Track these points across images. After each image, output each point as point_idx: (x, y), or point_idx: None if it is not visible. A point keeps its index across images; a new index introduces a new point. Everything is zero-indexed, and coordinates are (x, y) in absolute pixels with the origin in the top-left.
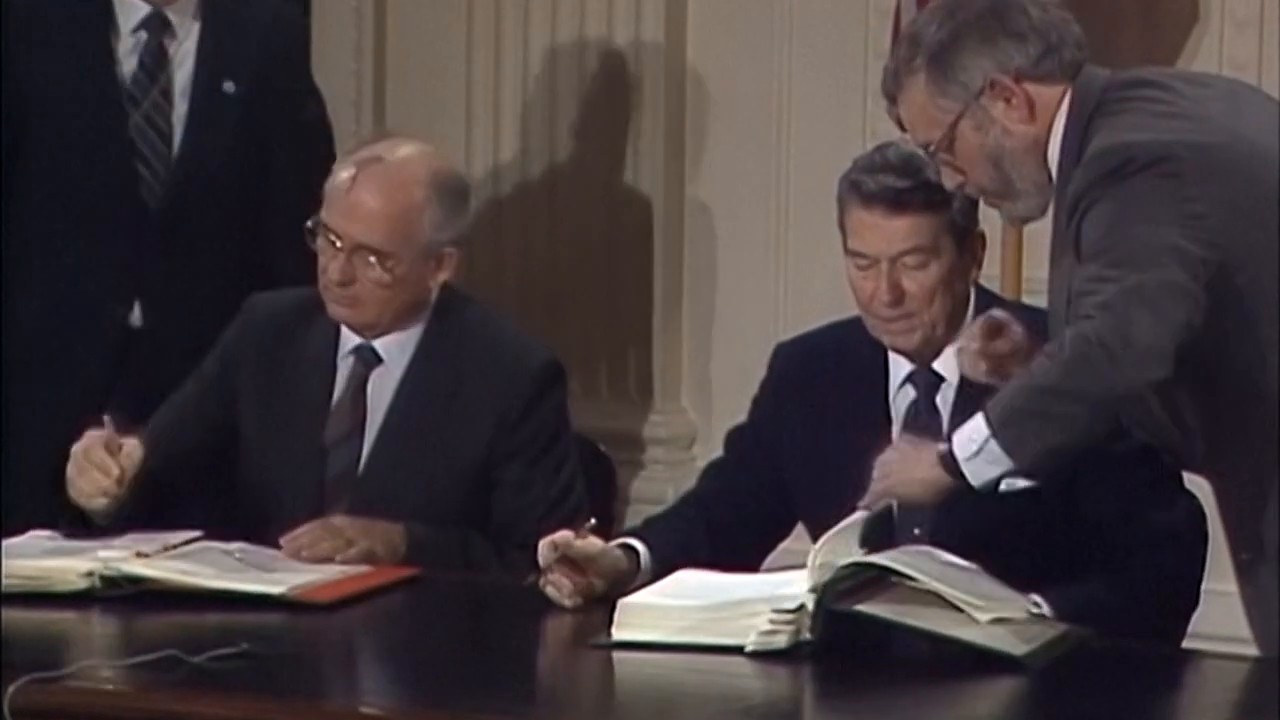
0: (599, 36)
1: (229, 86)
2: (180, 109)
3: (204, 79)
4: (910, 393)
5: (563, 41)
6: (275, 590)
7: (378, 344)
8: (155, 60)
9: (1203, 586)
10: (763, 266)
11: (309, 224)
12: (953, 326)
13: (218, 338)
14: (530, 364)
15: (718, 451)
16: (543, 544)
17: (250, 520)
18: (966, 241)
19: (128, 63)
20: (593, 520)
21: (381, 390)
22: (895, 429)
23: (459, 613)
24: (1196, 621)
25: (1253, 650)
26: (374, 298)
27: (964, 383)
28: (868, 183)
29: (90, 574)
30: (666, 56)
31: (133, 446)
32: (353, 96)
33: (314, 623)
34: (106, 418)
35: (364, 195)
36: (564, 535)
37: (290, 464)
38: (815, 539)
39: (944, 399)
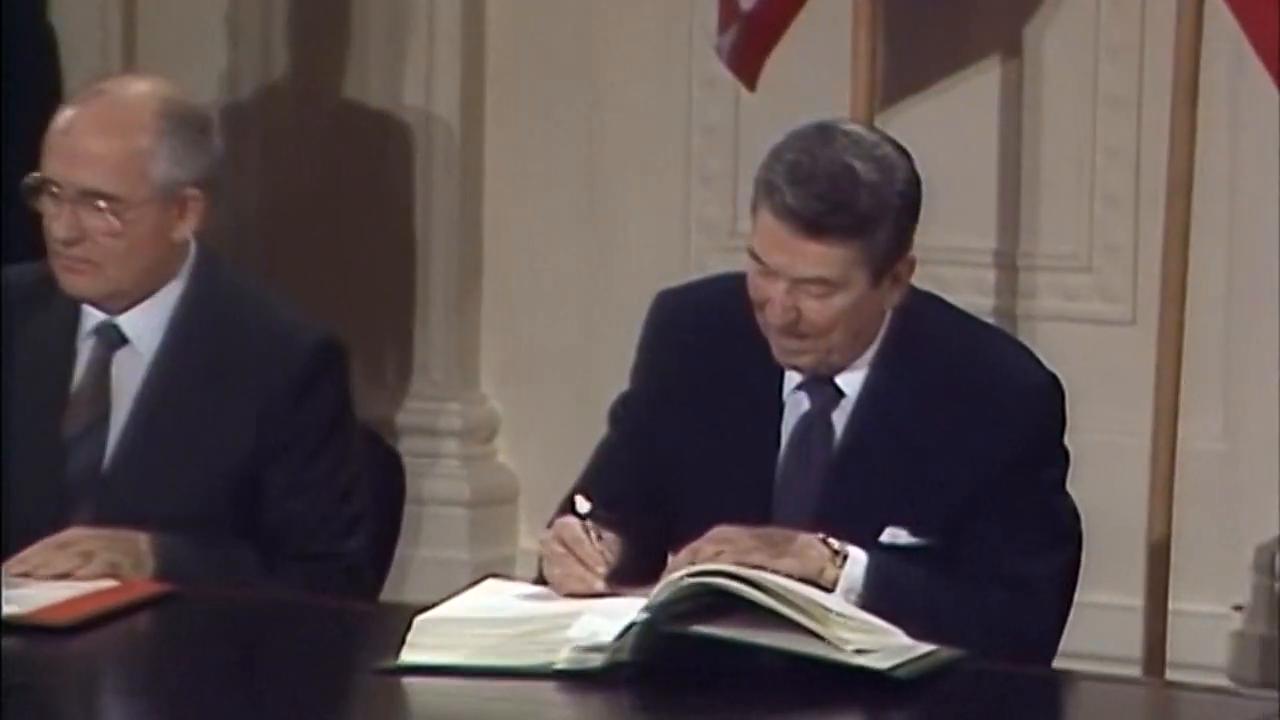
0: None
1: None
2: None
3: None
4: (804, 401)
5: None
6: (5, 611)
7: (122, 321)
8: None
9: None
10: (576, 230)
11: (27, 180)
12: (855, 350)
13: None
14: (302, 342)
15: (524, 445)
16: (549, 537)
17: None
18: (888, 270)
19: None
20: (586, 506)
21: (128, 376)
22: (783, 443)
23: (219, 636)
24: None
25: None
26: (108, 255)
27: (865, 399)
28: (786, 194)
29: None
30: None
31: None
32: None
33: (48, 649)
34: None
35: (84, 133)
36: (574, 532)
37: (25, 464)
38: (672, 548)
39: (841, 414)
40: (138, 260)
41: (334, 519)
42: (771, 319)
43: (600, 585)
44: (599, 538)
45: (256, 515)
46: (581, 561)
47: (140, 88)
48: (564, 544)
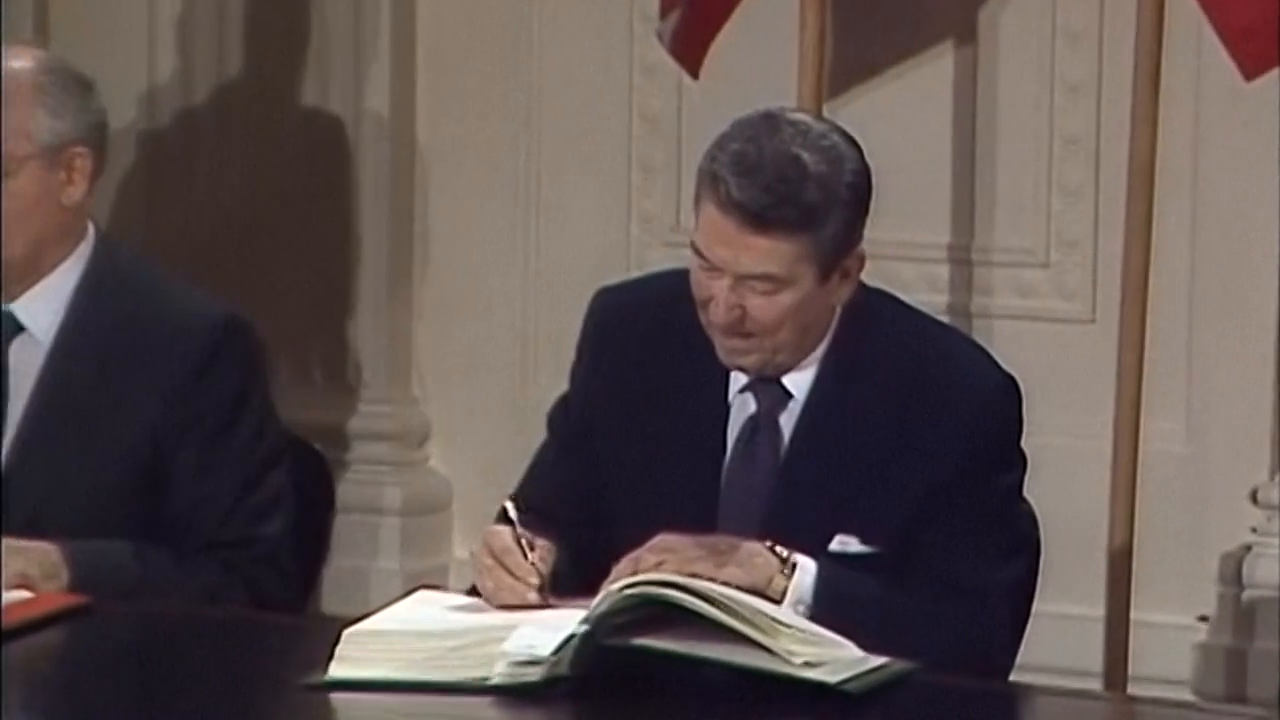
0: None
1: None
2: None
3: None
4: (750, 404)
5: None
6: None
7: (18, 307)
8: None
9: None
10: (511, 225)
11: None
12: (802, 350)
13: None
14: (202, 321)
15: (458, 450)
16: (478, 547)
17: None
18: (837, 265)
19: None
20: (518, 514)
21: (26, 367)
22: (729, 448)
23: (137, 651)
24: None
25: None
26: None
27: (813, 401)
28: (730, 186)
29: None
30: None
31: None
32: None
33: None
34: None
35: None
36: (503, 541)
37: None
38: (613, 557)
39: (789, 417)
40: (24, 231)
41: (246, 502)
42: (715, 317)
43: (533, 597)
44: (531, 547)
45: (164, 506)
46: (512, 573)
47: (19, 56)
48: (494, 555)
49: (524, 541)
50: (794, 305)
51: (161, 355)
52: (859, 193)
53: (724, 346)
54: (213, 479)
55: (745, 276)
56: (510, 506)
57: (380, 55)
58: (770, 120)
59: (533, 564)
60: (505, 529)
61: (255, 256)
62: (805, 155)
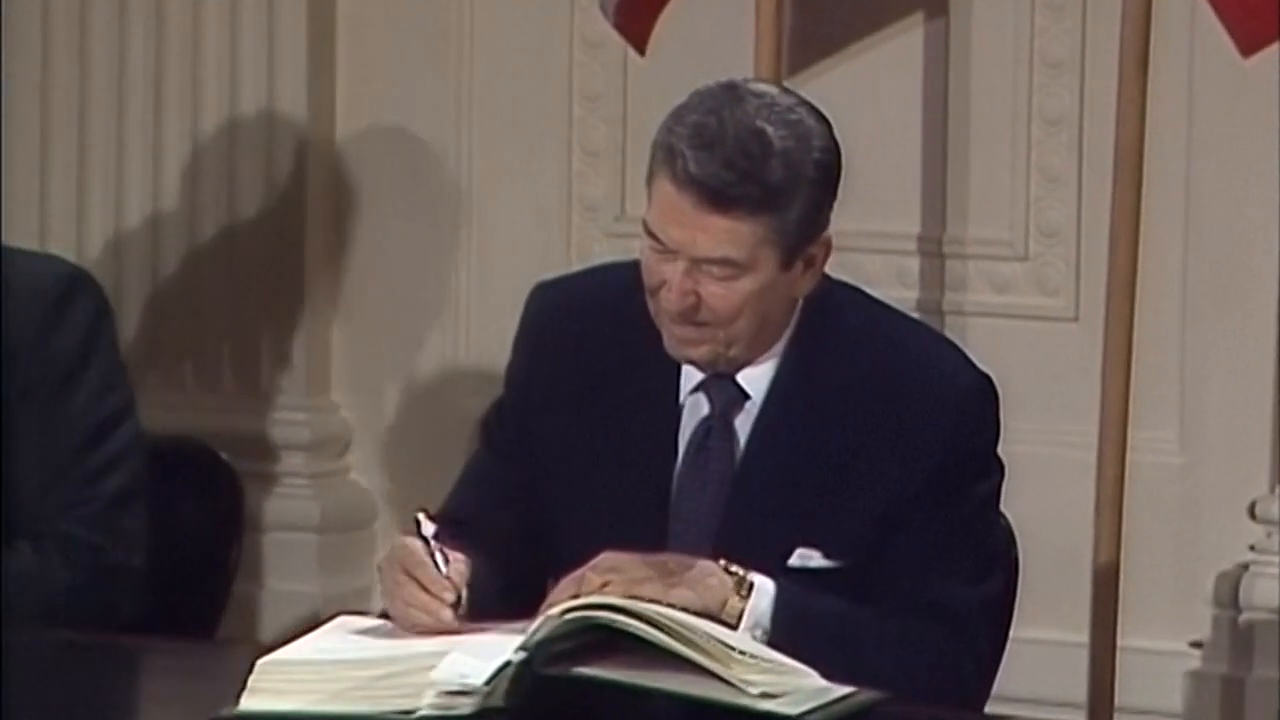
0: None
1: None
2: None
3: None
4: (703, 405)
5: None
6: None
7: None
8: None
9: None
10: (439, 214)
11: None
12: (760, 343)
13: None
14: (45, 277)
15: (381, 461)
16: (386, 562)
17: None
18: (801, 252)
19: None
20: (431, 525)
21: None
22: (680, 454)
23: (32, 682)
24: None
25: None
26: None
27: (772, 401)
28: (688, 160)
29: None
30: None
31: None
32: None
33: None
34: None
35: None
36: (415, 555)
37: None
38: (552, 577)
39: (745, 418)
40: None
41: (80, 466)
42: (667, 304)
43: (447, 616)
44: (446, 561)
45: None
46: (425, 589)
47: None
48: (404, 569)
49: (438, 555)
50: (753, 293)
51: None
52: (827, 172)
53: (673, 336)
54: (43, 443)
55: (701, 260)
56: (423, 518)
57: (297, 26)
58: (733, 91)
59: (448, 579)
60: (416, 541)
61: (164, 257)
62: (770, 129)
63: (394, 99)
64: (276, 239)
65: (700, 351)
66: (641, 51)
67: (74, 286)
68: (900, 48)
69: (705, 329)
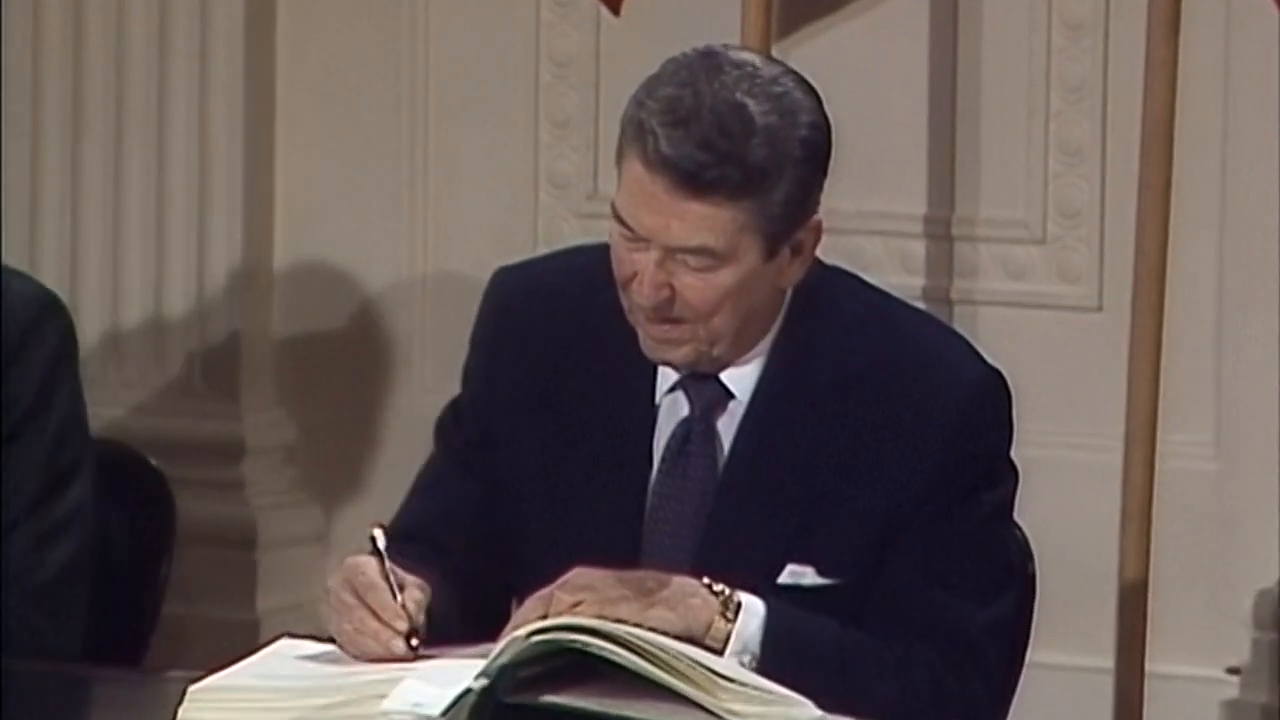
0: None
1: None
2: None
3: None
4: (682, 406)
5: None
6: None
7: None
8: None
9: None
10: (392, 192)
11: None
12: (744, 341)
13: None
14: (10, 301)
15: (327, 468)
16: (335, 582)
17: None
18: (787, 238)
19: None
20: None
21: None
22: (656, 460)
23: None
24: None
25: None
26: None
27: (758, 402)
28: (660, 138)
29: None
30: None
31: None
32: None
33: None
34: None
35: None
36: (367, 576)
37: None
38: (518, 596)
39: (729, 421)
40: None
41: (32, 523)
42: (639, 299)
43: (399, 646)
44: (401, 587)
45: None
46: (376, 615)
47: None
48: (355, 591)
49: (393, 578)
50: (734, 286)
51: None
52: (816, 151)
53: (649, 335)
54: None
55: (676, 249)
56: (379, 535)
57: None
58: (710, 60)
59: (402, 605)
60: (370, 561)
61: (87, 244)
62: (751, 104)
63: (340, 61)
64: (207, 220)
65: (680, 353)
66: (616, 12)
67: (44, 313)
68: (904, 7)
69: (683, 326)
